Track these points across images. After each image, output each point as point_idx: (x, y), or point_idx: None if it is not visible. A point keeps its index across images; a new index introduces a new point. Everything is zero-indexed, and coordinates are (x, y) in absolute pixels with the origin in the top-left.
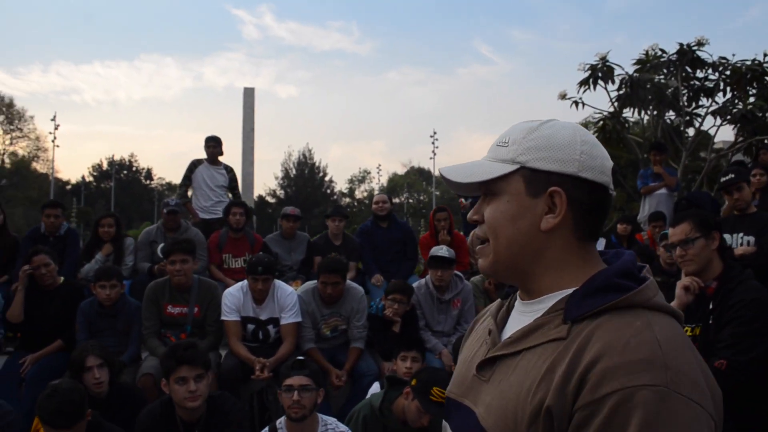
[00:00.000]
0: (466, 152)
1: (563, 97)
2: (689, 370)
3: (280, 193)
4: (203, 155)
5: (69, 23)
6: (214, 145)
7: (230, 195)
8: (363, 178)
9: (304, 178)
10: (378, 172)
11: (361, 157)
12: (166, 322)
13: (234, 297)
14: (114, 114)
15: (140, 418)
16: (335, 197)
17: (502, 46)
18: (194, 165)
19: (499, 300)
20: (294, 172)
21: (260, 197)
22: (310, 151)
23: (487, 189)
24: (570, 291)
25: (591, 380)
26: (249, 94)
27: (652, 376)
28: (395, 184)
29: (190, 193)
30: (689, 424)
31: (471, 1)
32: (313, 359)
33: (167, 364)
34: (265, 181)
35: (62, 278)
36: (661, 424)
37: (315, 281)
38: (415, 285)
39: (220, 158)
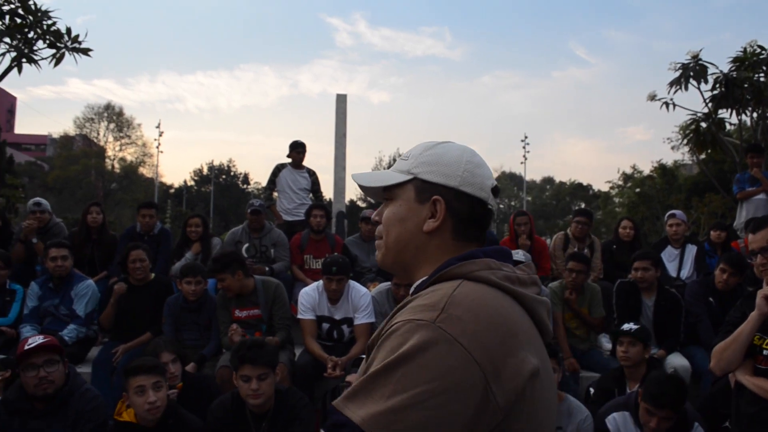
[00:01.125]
0: (560, 156)
1: (653, 98)
2: (468, 319)
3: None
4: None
5: (175, 36)
6: (300, 150)
7: (312, 197)
8: None
9: None
10: None
11: None
12: (241, 324)
13: (309, 296)
14: (215, 121)
15: (212, 408)
16: None
17: (599, 47)
18: (278, 169)
19: None
20: None
21: (352, 201)
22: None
23: (388, 194)
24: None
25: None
26: (341, 100)
27: (425, 315)
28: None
29: (276, 195)
30: (440, 353)
31: (566, 2)
32: None
33: (233, 362)
34: (357, 187)
35: (153, 274)
36: (415, 347)
37: (389, 283)
38: None
39: (303, 162)
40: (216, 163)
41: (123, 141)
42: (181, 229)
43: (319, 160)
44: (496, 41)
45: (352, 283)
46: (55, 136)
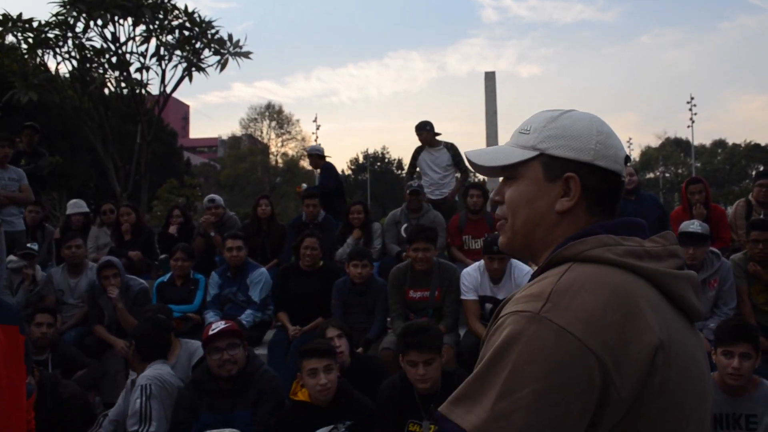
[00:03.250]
0: (732, 116)
1: None
2: (576, 306)
3: None
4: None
5: (325, 33)
6: (421, 131)
7: (458, 174)
8: None
9: None
10: (629, 146)
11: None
12: (410, 306)
13: (471, 276)
14: (367, 110)
15: (381, 388)
16: None
17: None
18: (417, 152)
19: None
20: None
21: None
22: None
23: (509, 173)
24: None
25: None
26: (490, 78)
27: (529, 305)
28: (649, 158)
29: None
30: (548, 345)
31: None
32: None
33: (399, 346)
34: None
35: (321, 261)
36: (521, 340)
37: None
38: None
39: (439, 138)
40: (371, 151)
41: (284, 137)
42: (343, 217)
43: (472, 139)
44: None
45: (515, 261)
46: (224, 137)
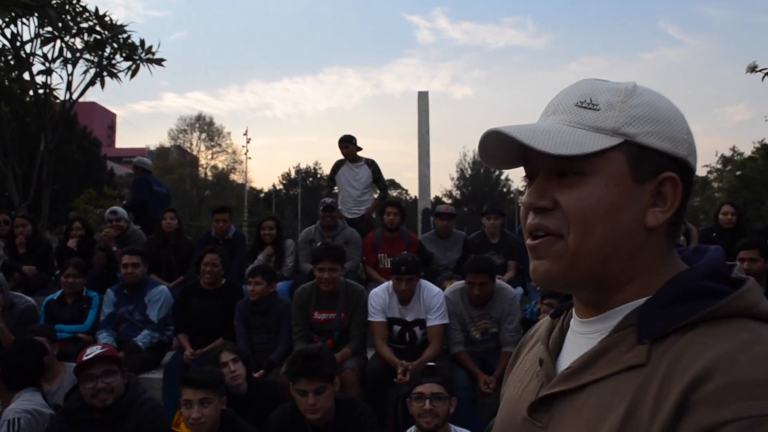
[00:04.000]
0: None
1: (753, 69)
2: None
3: (456, 193)
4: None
5: (261, 45)
6: (344, 144)
7: (377, 191)
8: None
9: (480, 178)
10: None
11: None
12: (314, 328)
13: (379, 297)
14: (301, 125)
15: (270, 418)
16: (512, 195)
17: (692, 24)
18: (337, 166)
19: (548, 318)
20: (470, 171)
21: (437, 198)
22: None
23: (568, 166)
24: (642, 301)
25: (695, 407)
26: (423, 97)
27: None
28: None
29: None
30: None
31: None
32: (461, 363)
33: (289, 374)
34: (441, 183)
35: (224, 279)
36: None
37: (463, 281)
38: None
39: (360, 154)
40: (303, 166)
41: (214, 149)
42: (254, 232)
43: (404, 158)
44: (581, 27)
45: (424, 282)
46: (152, 148)
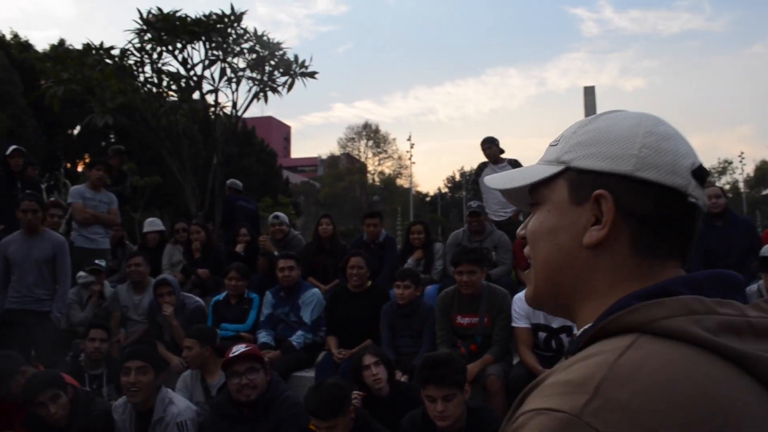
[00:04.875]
0: None
1: None
2: (639, 409)
3: None
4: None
5: (423, 52)
6: (487, 146)
7: None
8: (723, 169)
9: None
10: (741, 161)
11: (721, 145)
12: (458, 332)
13: (523, 302)
14: (465, 128)
15: (402, 423)
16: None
17: None
18: (480, 169)
19: None
20: None
21: None
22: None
23: (534, 197)
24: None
25: (522, 404)
26: (589, 92)
27: (566, 399)
28: (765, 173)
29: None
30: None
31: None
32: None
33: (418, 379)
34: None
35: (370, 282)
36: None
37: None
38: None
39: (503, 156)
40: (467, 168)
41: (381, 156)
42: (403, 237)
43: None
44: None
45: None
46: (324, 156)
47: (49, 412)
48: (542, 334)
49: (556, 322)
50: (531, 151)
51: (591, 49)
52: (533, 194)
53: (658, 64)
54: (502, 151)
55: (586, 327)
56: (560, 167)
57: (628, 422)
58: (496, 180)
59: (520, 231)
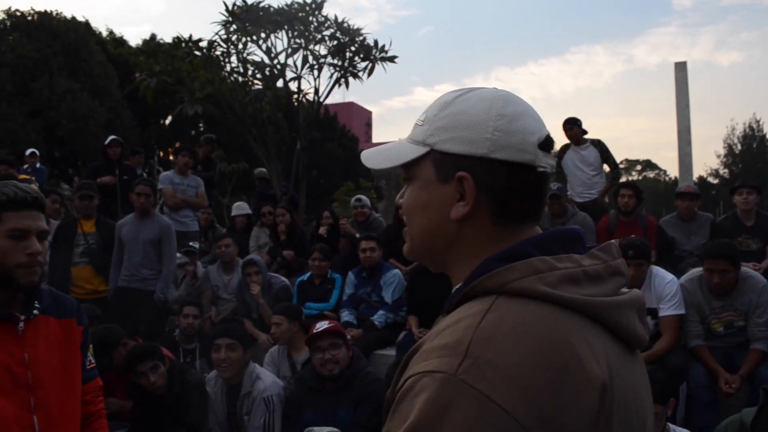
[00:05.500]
0: None
1: None
2: (503, 363)
3: (724, 172)
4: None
5: (504, 32)
6: (569, 127)
7: (607, 170)
8: None
9: (752, 154)
10: None
11: None
12: None
13: None
14: (548, 108)
15: None
16: None
17: None
18: (562, 151)
19: None
20: (739, 147)
21: (701, 178)
22: (758, 121)
23: (406, 172)
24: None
25: (406, 369)
26: (681, 68)
27: (444, 362)
28: None
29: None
30: (468, 419)
31: None
32: (700, 359)
33: None
34: (706, 161)
35: None
36: (432, 413)
37: (701, 268)
38: None
39: (586, 137)
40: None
41: None
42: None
43: (661, 136)
44: None
45: (656, 269)
46: None
47: (149, 381)
48: None
49: None
50: (617, 131)
51: (683, 22)
52: (406, 170)
53: (758, 36)
54: (585, 132)
55: (458, 286)
56: (426, 149)
57: (494, 374)
58: (368, 157)
59: (398, 199)
